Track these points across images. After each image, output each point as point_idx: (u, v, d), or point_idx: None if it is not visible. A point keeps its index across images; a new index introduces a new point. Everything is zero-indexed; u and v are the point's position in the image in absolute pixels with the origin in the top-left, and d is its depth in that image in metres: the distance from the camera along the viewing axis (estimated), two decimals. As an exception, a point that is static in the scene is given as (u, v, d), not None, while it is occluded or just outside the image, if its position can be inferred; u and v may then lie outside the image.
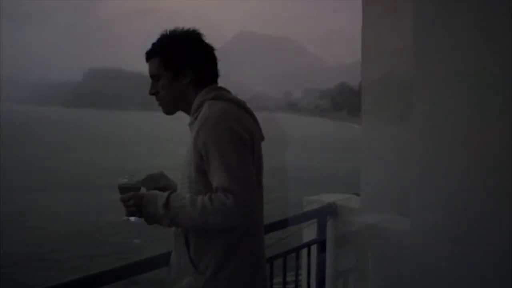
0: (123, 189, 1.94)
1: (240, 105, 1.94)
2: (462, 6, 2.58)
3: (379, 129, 2.98)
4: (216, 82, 2.02)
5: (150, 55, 2.02)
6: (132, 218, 1.91)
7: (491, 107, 2.52)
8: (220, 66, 2.04)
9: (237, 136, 1.81)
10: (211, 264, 1.84)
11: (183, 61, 1.96)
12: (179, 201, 1.82)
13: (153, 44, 2.02)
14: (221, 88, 2.00)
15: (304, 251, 3.19)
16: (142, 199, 1.89)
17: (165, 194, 1.86)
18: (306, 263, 3.22)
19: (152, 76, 2.02)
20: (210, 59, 2.02)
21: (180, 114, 2.07)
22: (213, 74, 2.02)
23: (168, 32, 2.01)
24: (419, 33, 2.73)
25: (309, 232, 3.23)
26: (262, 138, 2.02)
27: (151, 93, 2.03)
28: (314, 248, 3.19)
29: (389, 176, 2.93)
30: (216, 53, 2.03)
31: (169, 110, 2.04)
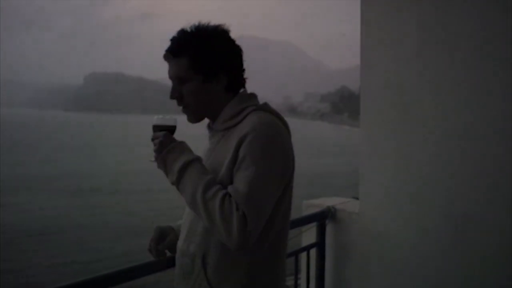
0: (155, 127, 1.77)
1: (283, 121, 1.79)
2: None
3: (378, 132, 2.98)
4: (245, 85, 1.86)
5: (175, 54, 1.76)
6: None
7: (491, 110, 2.52)
8: None
9: (283, 160, 1.70)
10: (225, 284, 1.72)
11: (218, 64, 1.75)
12: (199, 172, 1.65)
13: (177, 41, 1.77)
14: (255, 96, 1.85)
15: (303, 255, 3.19)
16: (170, 142, 1.71)
17: (194, 155, 1.70)
18: (305, 267, 3.22)
19: (176, 78, 1.78)
20: (241, 59, 1.83)
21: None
22: (244, 77, 1.85)
23: (194, 29, 1.76)
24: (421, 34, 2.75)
25: (308, 235, 3.23)
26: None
27: (174, 98, 1.81)
28: (313, 251, 3.20)
29: (389, 180, 2.93)
30: None
31: (196, 117, 1.83)
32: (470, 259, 2.63)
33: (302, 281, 3.24)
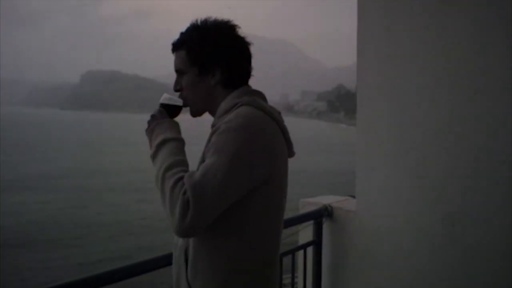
0: (161, 105, 1.83)
1: (274, 117, 1.71)
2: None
3: (374, 131, 2.98)
4: (247, 82, 1.82)
5: (176, 47, 1.80)
6: None
7: (488, 108, 2.53)
8: None
9: (256, 154, 1.60)
10: (217, 280, 1.66)
11: (212, 57, 1.75)
12: (171, 152, 1.66)
13: (181, 34, 1.80)
14: (256, 93, 1.79)
15: (300, 253, 3.19)
16: (161, 117, 1.77)
17: (174, 135, 1.72)
18: (302, 265, 3.22)
19: (176, 70, 1.82)
20: (244, 56, 1.80)
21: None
22: (246, 73, 1.81)
23: (199, 22, 1.78)
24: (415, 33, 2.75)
25: (305, 234, 3.23)
26: (292, 155, 1.80)
27: (176, 90, 1.84)
28: (310, 250, 3.20)
29: (385, 178, 2.94)
30: None
31: (195, 111, 1.83)
32: (466, 257, 2.63)
33: (299, 280, 3.24)
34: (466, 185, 2.61)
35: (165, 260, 2.07)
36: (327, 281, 3.24)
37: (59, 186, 33.99)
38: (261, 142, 1.62)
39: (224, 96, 1.76)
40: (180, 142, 1.72)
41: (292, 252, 3.06)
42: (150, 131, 1.76)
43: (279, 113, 1.80)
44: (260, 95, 1.79)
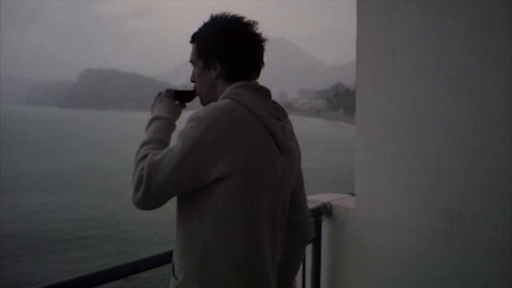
0: (176, 92, 1.98)
1: (256, 113, 1.70)
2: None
3: (374, 129, 2.99)
4: (250, 77, 1.83)
5: (191, 39, 1.89)
6: None
7: (488, 105, 2.53)
8: None
9: (209, 139, 1.61)
10: (183, 271, 1.73)
11: (213, 51, 1.80)
12: (154, 130, 1.79)
13: (198, 28, 1.88)
14: (246, 86, 1.78)
15: (300, 251, 3.19)
16: (163, 96, 1.94)
17: (166, 114, 1.86)
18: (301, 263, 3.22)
19: (190, 61, 1.91)
20: (247, 51, 1.81)
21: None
22: (247, 68, 1.82)
23: (211, 17, 1.84)
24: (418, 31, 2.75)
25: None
26: (283, 151, 1.78)
27: (192, 80, 1.93)
28: (309, 247, 3.20)
29: (385, 176, 2.94)
30: None
31: (202, 101, 1.90)
32: (465, 254, 2.64)
33: (298, 277, 3.25)
34: (465, 182, 2.61)
35: (167, 257, 2.06)
36: (326, 279, 3.25)
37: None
38: (224, 133, 1.62)
39: (223, 89, 1.79)
40: (167, 121, 1.84)
41: (291, 250, 3.07)
42: (152, 106, 1.92)
43: (280, 111, 1.83)
44: (252, 87, 1.78)
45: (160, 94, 1.97)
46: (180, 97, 1.97)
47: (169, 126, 1.84)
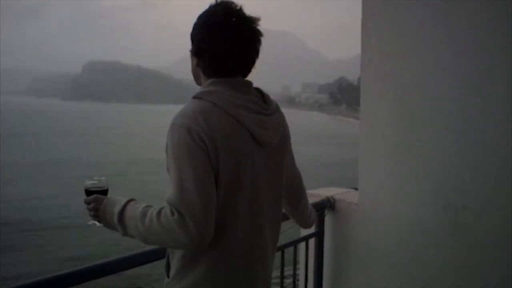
0: (88, 192, 1.82)
1: (227, 110, 1.66)
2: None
3: (378, 124, 2.98)
4: (231, 73, 1.74)
5: None
6: (97, 223, 1.78)
7: (490, 102, 2.52)
8: None
9: (189, 146, 1.58)
10: (173, 269, 1.74)
11: (196, 43, 1.75)
12: (133, 211, 1.66)
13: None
14: (221, 82, 1.71)
15: (302, 245, 3.20)
16: (101, 203, 1.75)
17: (123, 201, 1.72)
18: (304, 257, 3.22)
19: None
20: (222, 46, 1.70)
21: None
22: (224, 65, 1.73)
23: (209, 6, 1.75)
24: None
25: (307, 226, 3.23)
26: (264, 145, 1.75)
27: None
28: (312, 242, 3.20)
29: (388, 171, 2.93)
30: None
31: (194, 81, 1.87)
32: (469, 248, 2.63)
33: (301, 271, 3.25)
34: (468, 177, 2.60)
35: (161, 252, 2.04)
36: (328, 273, 3.25)
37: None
38: (200, 136, 1.59)
39: (203, 81, 1.77)
40: (130, 202, 1.72)
41: (294, 244, 3.07)
42: (103, 219, 1.74)
43: (262, 104, 1.77)
44: (226, 85, 1.71)
45: (95, 207, 1.76)
46: (101, 193, 1.83)
47: (134, 203, 1.72)
